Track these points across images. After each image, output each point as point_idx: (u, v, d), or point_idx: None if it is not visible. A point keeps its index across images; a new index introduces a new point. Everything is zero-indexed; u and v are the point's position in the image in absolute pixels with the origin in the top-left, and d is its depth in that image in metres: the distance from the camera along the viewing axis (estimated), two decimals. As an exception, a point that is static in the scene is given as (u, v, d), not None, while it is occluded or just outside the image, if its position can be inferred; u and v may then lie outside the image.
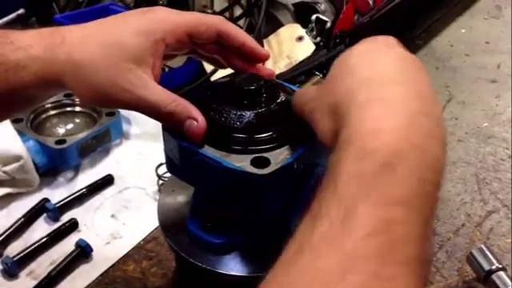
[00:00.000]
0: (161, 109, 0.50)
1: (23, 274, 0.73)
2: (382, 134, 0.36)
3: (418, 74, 0.41)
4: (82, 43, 0.50)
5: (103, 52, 0.49)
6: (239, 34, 0.56)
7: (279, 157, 0.50)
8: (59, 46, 0.50)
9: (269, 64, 1.18)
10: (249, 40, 0.56)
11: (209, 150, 0.50)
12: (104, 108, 0.92)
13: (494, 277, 0.70)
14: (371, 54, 0.43)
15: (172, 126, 0.52)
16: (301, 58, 1.17)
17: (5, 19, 1.12)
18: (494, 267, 0.71)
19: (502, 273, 0.70)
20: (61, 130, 0.96)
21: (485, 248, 0.73)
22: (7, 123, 0.87)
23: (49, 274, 0.71)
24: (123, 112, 0.96)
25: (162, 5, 1.16)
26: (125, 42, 0.50)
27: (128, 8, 1.19)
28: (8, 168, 0.82)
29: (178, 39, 0.52)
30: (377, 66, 0.42)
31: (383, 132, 0.36)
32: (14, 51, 0.50)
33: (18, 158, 0.82)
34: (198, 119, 0.50)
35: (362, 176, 0.34)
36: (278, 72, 1.13)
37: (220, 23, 0.55)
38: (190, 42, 0.54)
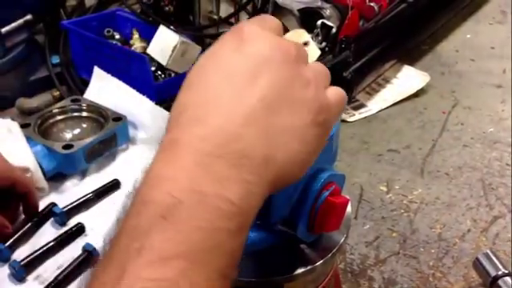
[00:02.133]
0: None
1: (30, 278, 0.74)
2: (162, 183, 0.33)
3: (251, 90, 0.35)
4: None
5: None
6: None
7: (285, 162, 0.50)
8: None
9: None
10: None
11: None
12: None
13: (500, 282, 0.70)
14: (210, 64, 0.37)
15: None
16: (306, 64, 1.17)
17: (13, 25, 1.13)
18: (500, 273, 0.71)
19: (508, 278, 0.70)
20: (68, 135, 0.97)
21: (491, 253, 0.73)
22: (19, 135, 0.88)
23: (56, 278, 0.72)
24: (130, 117, 0.97)
25: (169, 11, 1.17)
26: None
27: (135, 14, 1.19)
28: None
29: None
30: (201, 88, 0.36)
31: (163, 180, 0.33)
32: None
33: (25, 171, 0.82)
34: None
35: (135, 232, 0.32)
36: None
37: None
38: None
